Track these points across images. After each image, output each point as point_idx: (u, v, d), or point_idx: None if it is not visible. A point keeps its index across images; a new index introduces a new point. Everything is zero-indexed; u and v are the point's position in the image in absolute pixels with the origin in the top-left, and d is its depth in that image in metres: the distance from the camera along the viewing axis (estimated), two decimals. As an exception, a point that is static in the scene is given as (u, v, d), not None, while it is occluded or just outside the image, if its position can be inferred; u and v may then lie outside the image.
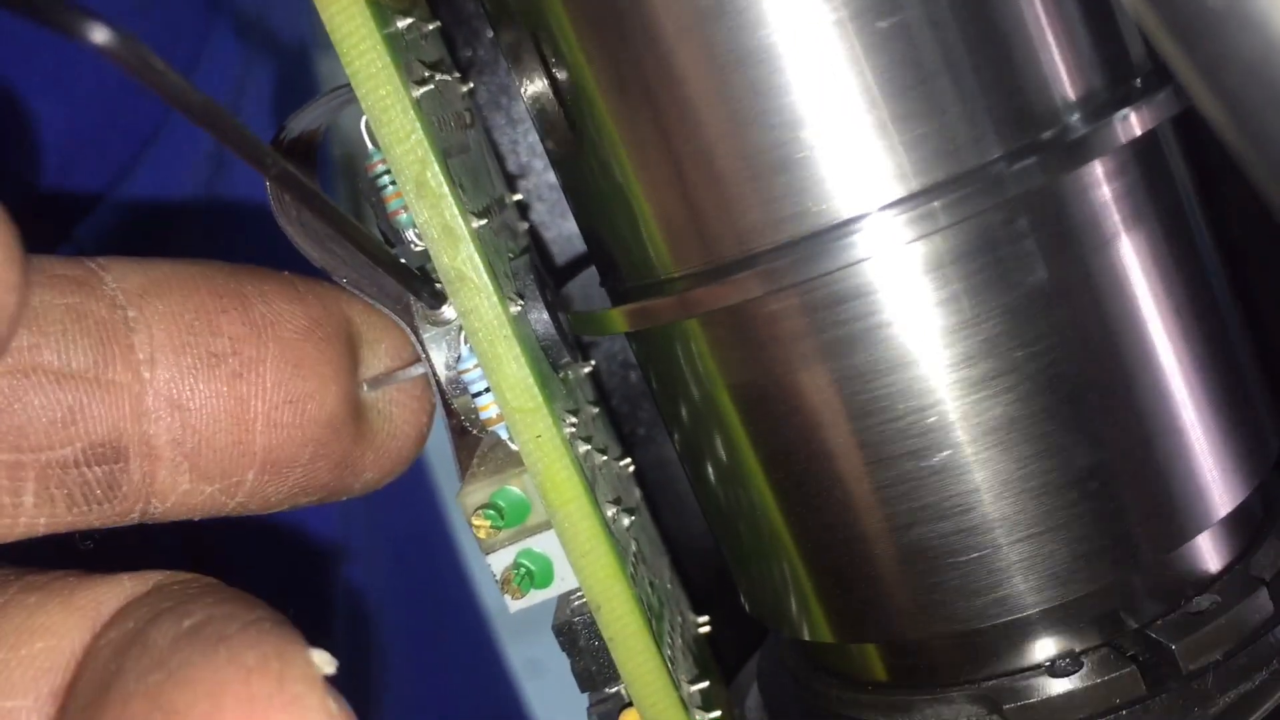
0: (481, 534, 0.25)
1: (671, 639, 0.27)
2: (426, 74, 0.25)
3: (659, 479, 0.34)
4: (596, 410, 0.31)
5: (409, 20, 0.25)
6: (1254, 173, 0.16)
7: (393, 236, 0.26)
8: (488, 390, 0.25)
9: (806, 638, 0.26)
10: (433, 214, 0.23)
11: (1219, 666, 0.23)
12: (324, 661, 0.17)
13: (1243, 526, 0.25)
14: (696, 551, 0.34)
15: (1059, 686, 0.23)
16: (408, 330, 0.26)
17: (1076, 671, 0.23)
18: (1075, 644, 0.24)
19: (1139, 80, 0.24)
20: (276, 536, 0.46)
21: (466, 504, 0.25)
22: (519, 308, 0.25)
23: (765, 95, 0.22)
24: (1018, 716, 0.23)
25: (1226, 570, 0.25)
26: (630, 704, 0.25)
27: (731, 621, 0.31)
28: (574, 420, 0.26)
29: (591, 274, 0.29)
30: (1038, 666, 0.24)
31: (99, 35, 0.15)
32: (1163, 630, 0.23)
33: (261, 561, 0.45)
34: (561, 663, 0.26)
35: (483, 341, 0.24)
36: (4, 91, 0.38)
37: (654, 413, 0.34)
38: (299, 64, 0.48)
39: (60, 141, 0.39)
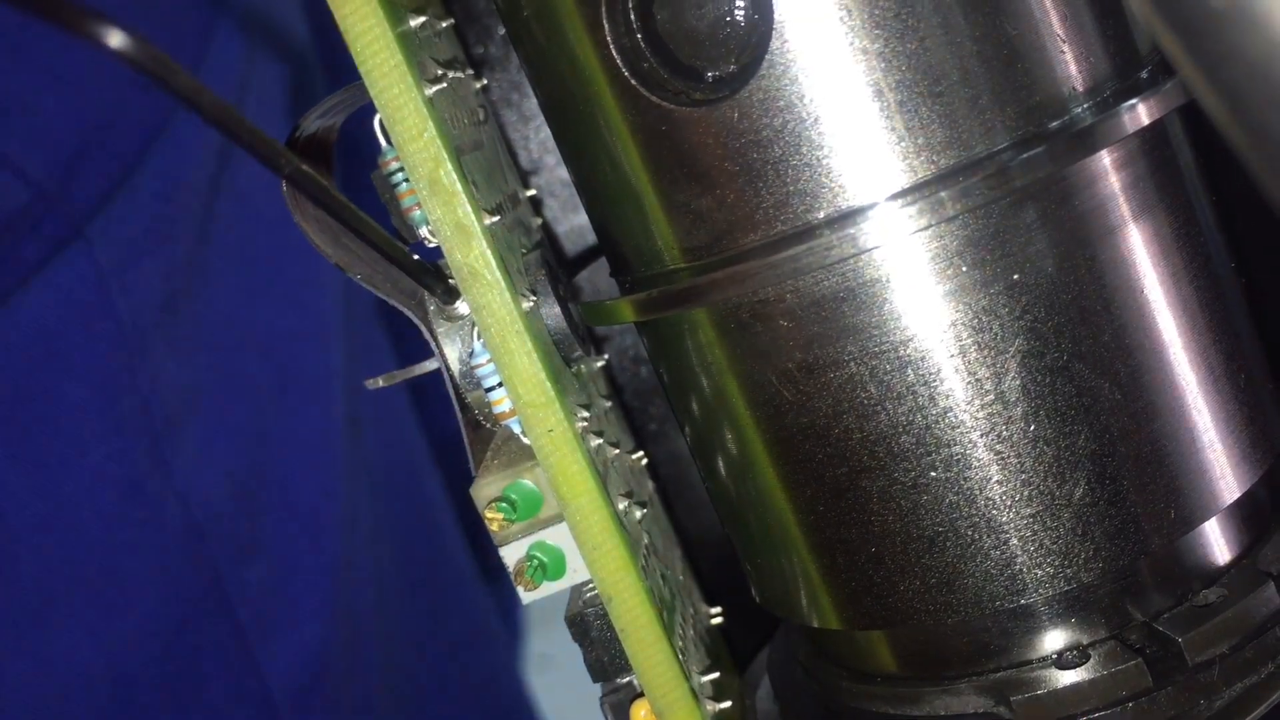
0: (494, 526, 0.25)
1: (683, 630, 0.28)
2: (439, 72, 0.25)
3: (672, 473, 0.35)
4: (609, 404, 0.31)
5: (422, 19, 0.25)
6: (1256, 171, 0.16)
7: (407, 233, 0.26)
8: (501, 385, 0.25)
9: (815, 625, 0.26)
10: (445, 211, 0.24)
11: (1225, 660, 0.23)
12: None
13: (1250, 520, 0.25)
14: (710, 544, 0.34)
15: (1066, 678, 0.24)
16: (422, 326, 0.27)
17: (1083, 664, 0.23)
18: (1082, 636, 0.24)
19: (1146, 71, 0.24)
20: (283, 527, 0.46)
21: (480, 497, 0.25)
22: (531, 303, 0.25)
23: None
24: (1025, 708, 0.24)
25: (1234, 564, 0.25)
26: (642, 694, 0.26)
27: (744, 612, 0.31)
28: (586, 414, 0.26)
29: (603, 265, 0.29)
30: (1045, 659, 0.24)
31: (114, 39, 0.15)
32: (1169, 623, 0.24)
33: (268, 551, 0.45)
34: (574, 653, 0.26)
35: (495, 337, 0.24)
36: (11, 88, 0.38)
37: (666, 408, 0.34)
38: (302, 62, 0.48)
39: (68, 137, 0.39)
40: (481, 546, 0.57)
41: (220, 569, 0.44)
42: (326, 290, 0.49)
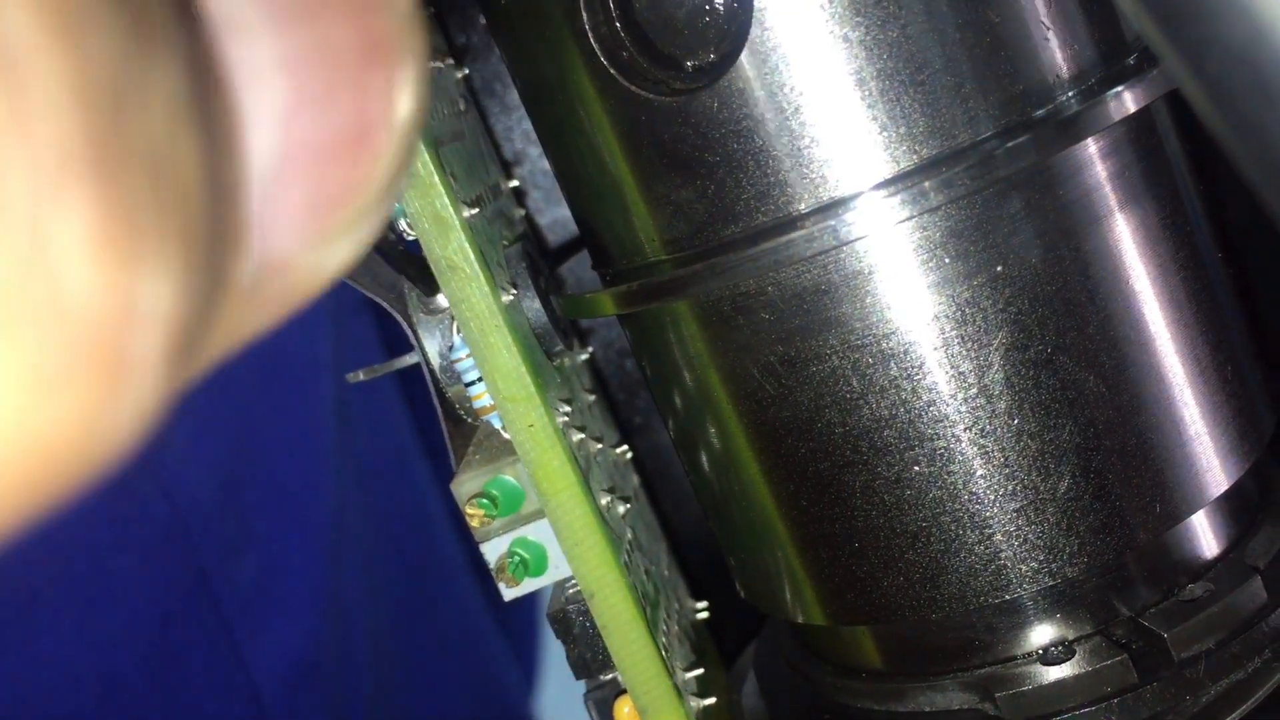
0: (475, 522, 0.25)
1: (667, 626, 0.27)
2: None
3: (657, 466, 0.34)
4: (593, 398, 0.31)
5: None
6: (1240, 160, 0.15)
7: (384, 225, 0.26)
8: (481, 379, 0.25)
9: (800, 621, 0.26)
10: (423, 203, 0.23)
11: (1211, 655, 0.23)
12: None
13: (1237, 513, 0.25)
14: (696, 537, 0.34)
15: (1051, 674, 0.23)
16: (401, 319, 0.26)
17: (1068, 660, 0.23)
18: (1067, 632, 0.24)
19: (1133, 58, 0.23)
20: (271, 521, 0.46)
21: (460, 493, 0.25)
22: (511, 296, 0.25)
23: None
24: (1009, 704, 0.23)
25: (1220, 558, 0.24)
26: (625, 691, 0.26)
27: (732, 606, 0.31)
28: (568, 409, 0.25)
29: (586, 257, 0.29)
30: (1030, 655, 0.24)
31: None
32: (1155, 618, 0.23)
33: (255, 546, 0.45)
34: (557, 650, 0.26)
35: (474, 331, 0.24)
36: None
37: (652, 400, 0.34)
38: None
39: None
40: (471, 539, 0.56)
41: (207, 564, 0.44)
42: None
